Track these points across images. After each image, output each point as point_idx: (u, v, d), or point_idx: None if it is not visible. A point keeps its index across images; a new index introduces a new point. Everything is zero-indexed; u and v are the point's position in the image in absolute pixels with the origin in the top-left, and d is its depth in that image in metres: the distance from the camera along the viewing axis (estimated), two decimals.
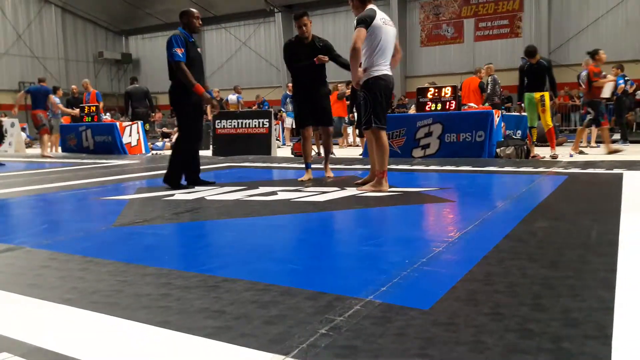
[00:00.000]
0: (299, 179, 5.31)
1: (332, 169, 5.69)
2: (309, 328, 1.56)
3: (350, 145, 12.64)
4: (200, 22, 5.20)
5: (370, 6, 4.47)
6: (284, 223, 3.46)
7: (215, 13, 24.13)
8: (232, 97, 15.09)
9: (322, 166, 5.64)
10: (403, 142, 8.11)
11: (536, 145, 8.14)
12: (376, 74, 4.45)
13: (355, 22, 4.42)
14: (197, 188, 5.01)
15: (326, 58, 5.08)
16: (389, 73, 4.55)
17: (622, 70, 10.23)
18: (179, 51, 4.84)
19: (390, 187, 4.54)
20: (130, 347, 1.50)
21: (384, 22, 4.44)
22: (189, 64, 4.94)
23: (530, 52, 7.74)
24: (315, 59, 5.05)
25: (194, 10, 5.17)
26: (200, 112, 5.23)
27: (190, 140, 5.17)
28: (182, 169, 5.18)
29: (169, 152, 11.45)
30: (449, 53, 20.11)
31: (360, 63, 4.44)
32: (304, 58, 5.13)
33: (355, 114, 10.35)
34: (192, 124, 5.11)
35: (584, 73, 9.99)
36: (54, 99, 11.83)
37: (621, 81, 10.04)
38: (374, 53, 4.42)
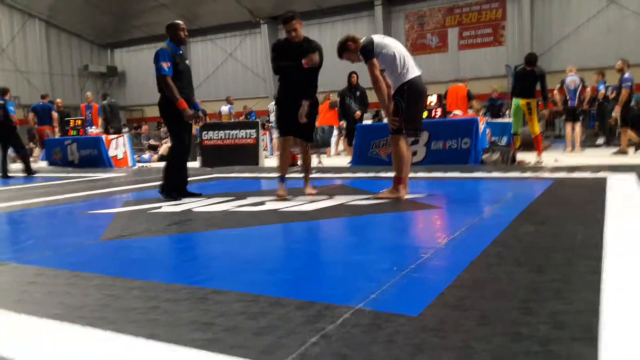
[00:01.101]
0: (276, 193, 4.80)
1: (320, 178, 5.63)
2: (299, 338, 1.56)
3: (339, 154, 12.67)
4: (187, 34, 5.19)
5: (365, 39, 4.45)
6: (272, 233, 3.46)
7: (201, 25, 24.16)
8: (225, 108, 15.12)
9: (300, 176, 5.25)
10: (390, 149, 8.16)
11: (521, 151, 8.23)
12: (409, 77, 4.35)
13: (360, 56, 4.37)
14: (184, 200, 4.99)
15: (316, 57, 4.63)
16: (419, 74, 4.44)
17: (603, 77, 10.40)
18: (165, 65, 4.84)
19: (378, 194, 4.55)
20: None
21: (383, 38, 4.51)
22: (178, 76, 4.94)
23: (531, 60, 7.82)
24: (303, 60, 4.59)
25: (179, 22, 5.17)
26: (190, 125, 5.23)
27: (182, 150, 5.20)
28: (175, 179, 5.17)
29: (155, 165, 11.47)
30: (434, 62, 20.31)
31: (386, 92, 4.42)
32: (293, 60, 4.66)
33: (345, 123, 10.39)
34: (183, 135, 5.12)
35: (568, 79, 10.17)
36: (55, 114, 12.16)
37: (602, 87, 10.20)
38: (396, 64, 4.35)
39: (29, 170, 9.54)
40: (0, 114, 9.36)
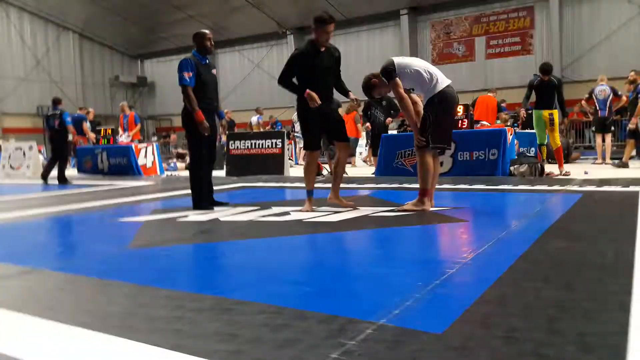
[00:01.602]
0: (300, 209, 4.70)
1: (344, 188, 5.35)
2: (321, 352, 1.56)
3: (365, 163, 12.65)
4: (212, 44, 5.16)
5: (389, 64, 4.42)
6: (297, 244, 3.47)
7: (229, 36, 24.52)
8: (254, 119, 15.36)
9: (326, 186, 5.10)
10: (415, 160, 8.11)
11: (548, 163, 8.11)
12: (439, 88, 4.33)
13: (383, 78, 4.39)
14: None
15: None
16: (449, 83, 4.41)
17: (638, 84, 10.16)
18: (187, 75, 4.86)
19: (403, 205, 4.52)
20: None
21: (403, 58, 4.52)
22: (201, 87, 4.94)
23: (546, 69, 7.74)
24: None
25: (206, 31, 5.18)
26: (213, 135, 5.23)
27: (200, 162, 5.14)
28: (201, 190, 5.14)
29: (183, 173, 11.64)
30: (461, 71, 20.14)
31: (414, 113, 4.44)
32: (324, 66, 4.62)
33: (370, 133, 10.38)
34: (202, 147, 5.08)
35: (597, 89, 9.97)
36: (86, 125, 12.72)
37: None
38: (423, 79, 4.34)
39: (63, 179, 9.89)
40: (55, 124, 9.93)
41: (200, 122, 4.87)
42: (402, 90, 4.35)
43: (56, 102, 10.23)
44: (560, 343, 1.56)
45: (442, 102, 4.36)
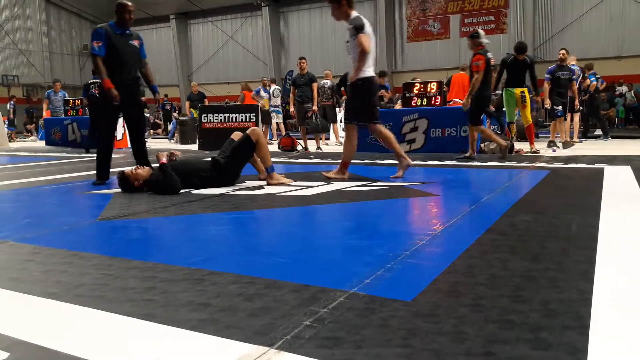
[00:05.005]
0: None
1: (318, 163, 5.52)
2: (294, 320, 1.58)
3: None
4: (132, 17, 5.16)
5: (356, 13, 4.79)
6: (270, 217, 3.47)
7: (202, 6, 23.93)
8: (263, 94, 13.87)
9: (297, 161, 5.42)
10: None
11: (516, 141, 8.24)
12: (367, 74, 4.78)
13: (353, 28, 4.70)
14: None
15: None
16: (374, 74, 4.95)
17: (592, 69, 10.47)
18: (96, 44, 4.94)
19: (375, 180, 4.57)
20: (114, 340, 1.50)
21: (370, 27, 4.86)
22: (116, 57, 4.98)
23: (521, 48, 7.81)
24: None
25: (127, 3, 5.10)
26: (135, 108, 5.34)
27: (108, 134, 5.35)
28: (100, 163, 5.24)
29: (155, 146, 11.45)
30: (435, 48, 20.21)
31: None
32: None
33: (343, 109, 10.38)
34: (110, 117, 5.24)
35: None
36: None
37: (592, 79, 10.26)
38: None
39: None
40: (95, 92, 9.57)
41: (107, 89, 4.91)
42: (369, 46, 4.65)
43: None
44: (525, 310, 1.61)
45: (365, 87, 4.79)
